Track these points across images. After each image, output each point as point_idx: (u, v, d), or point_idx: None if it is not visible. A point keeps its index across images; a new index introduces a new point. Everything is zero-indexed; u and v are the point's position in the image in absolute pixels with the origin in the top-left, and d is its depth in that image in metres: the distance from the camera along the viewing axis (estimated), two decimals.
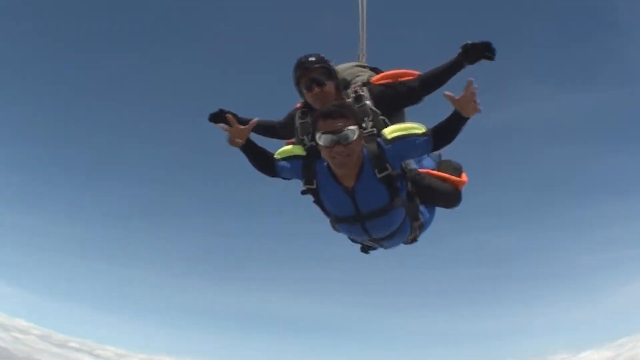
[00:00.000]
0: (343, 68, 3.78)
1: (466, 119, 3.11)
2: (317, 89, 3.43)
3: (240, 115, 3.73)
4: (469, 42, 3.23)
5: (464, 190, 3.69)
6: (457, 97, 3.05)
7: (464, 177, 3.70)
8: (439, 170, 3.72)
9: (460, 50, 3.27)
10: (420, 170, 3.65)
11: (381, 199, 3.23)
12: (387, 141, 3.19)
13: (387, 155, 3.17)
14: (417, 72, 3.61)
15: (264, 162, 3.48)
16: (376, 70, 3.91)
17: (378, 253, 3.86)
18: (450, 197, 3.65)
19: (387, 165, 3.16)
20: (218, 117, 3.75)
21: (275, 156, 3.45)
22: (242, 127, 3.36)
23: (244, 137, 3.37)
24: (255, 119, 3.46)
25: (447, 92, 3.08)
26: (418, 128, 3.22)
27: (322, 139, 3.08)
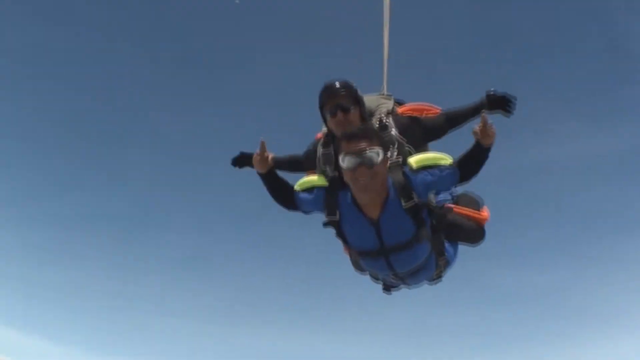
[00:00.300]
0: (367, 98, 3.69)
1: (487, 149, 3.00)
2: (341, 115, 3.34)
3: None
4: (494, 91, 3.30)
5: (487, 226, 3.55)
6: (476, 129, 2.96)
7: (486, 212, 3.57)
8: (458, 204, 3.58)
9: (484, 96, 3.33)
10: (444, 205, 3.50)
11: (407, 230, 3.05)
12: (413, 170, 3.07)
13: (413, 185, 3.02)
14: (438, 108, 3.63)
15: (283, 194, 3.34)
16: (400, 102, 3.85)
17: (402, 292, 3.69)
18: (475, 234, 3.50)
19: (413, 195, 3.00)
20: (240, 160, 3.73)
21: (295, 188, 3.32)
22: (270, 154, 3.28)
23: (267, 163, 3.30)
24: (272, 156, 3.36)
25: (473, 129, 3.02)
26: (445, 158, 3.10)
27: (345, 161, 2.93)
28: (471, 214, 3.49)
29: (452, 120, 3.47)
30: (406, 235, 3.06)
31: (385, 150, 3.04)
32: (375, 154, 2.90)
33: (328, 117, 3.40)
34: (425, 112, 3.61)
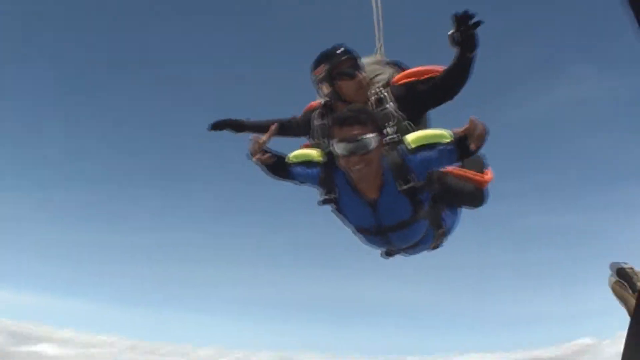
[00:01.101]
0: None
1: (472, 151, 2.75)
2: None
3: (247, 118, 3.56)
4: (450, 33, 2.78)
5: (489, 188, 3.33)
6: (462, 130, 2.69)
7: (489, 173, 3.32)
8: (462, 167, 3.35)
9: (454, 47, 2.85)
10: (442, 170, 3.28)
11: (404, 211, 2.96)
12: (409, 150, 2.88)
13: (410, 166, 2.85)
14: (441, 68, 3.16)
15: (277, 167, 3.17)
16: (396, 65, 3.54)
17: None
18: (475, 197, 3.33)
19: (410, 177, 2.85)
20: (220, 126, 3.55)
21: (290, 159, 3.16)
22: (261, 138, 3.07)
23: (263, 147, 3.09)
24: (275, 125, 3.16)
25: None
26: (445, 136, 2.87)
27: (337, 148, 2.77)
28: (472, 176, 3.27)
29: (448, 75, 3.03)
30: (403, 215, 2.98)
31: (381, 131, 2.86)
32: (369, 140, 2.71)
33: (343, 79, 3.17)
34: (425, 74, 3.22)
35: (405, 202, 2.92)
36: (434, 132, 2.93)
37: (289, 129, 3.55)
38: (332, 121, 2.87)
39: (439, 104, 3.21)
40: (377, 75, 3.39)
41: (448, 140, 2.84)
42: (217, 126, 3.53)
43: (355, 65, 3.21)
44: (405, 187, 2.86)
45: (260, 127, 3.47)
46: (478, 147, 2.71)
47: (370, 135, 2.73)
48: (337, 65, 3.19)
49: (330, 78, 3.22)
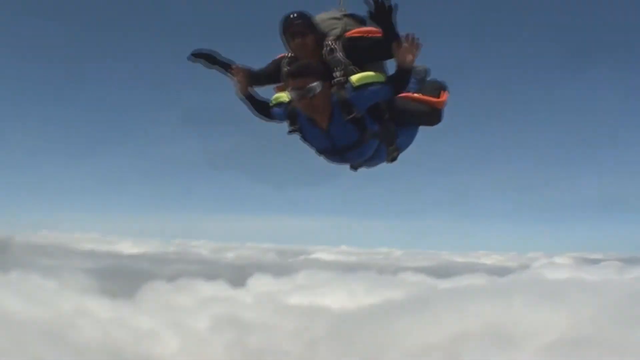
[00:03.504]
0: (321, 19, 4.18)
1: (406, 70, 3.53)
2: (298, 40, 3.98)
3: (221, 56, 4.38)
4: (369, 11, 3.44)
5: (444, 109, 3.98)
6: (399, 48, 3.46)
7: (445, 95, 3.97)
8: (420, 92, 4.06)
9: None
10: (399, 95, 3.93)
11: (351, 135, 3.81)
12: (353, 88, 3.68)
13: (352, 101, 3.68)
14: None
15: (262, 110, 4.28)
16: (352, 17, 4.22)
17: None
18: (429, 116, 4.02)
19: (353, 110, 3.68)
20: (199, 55, 4.29)
21: (270, 103, 4.17)
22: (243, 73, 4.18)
23: (246, 88, 4.18)
24: (246, 69, 4.23)
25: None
26: (379, 77, 3.67)
27: (290, 95, 3.80)
28: (426, 99, 3.99)
29: (384, 39, 3.67)
30: (351, 138, 3.85)
31: (328, 78, 3.73)
32: (314, 87, 3.63)
33: (289, 42, 4.06)
34: (370, 33, 3.94)
35: (351, 128, 3.77)
36: (372, 74, 3.72)
37: (261, 78, 4.46)
38: (285, 74, 3.91)
39: (379, 58, 3.97)
40: (332, 30, 4.13)
41: (382, 80, 3.67)
42: (196, 55, 4.28)
43: (307, 27, 3.98)
44: (348, 117, 3.72)
45: (258, 79, 4.41)
46: (406, 71, 3.54)
47: (315, 83, 3.65)
48: (290, 28, 4.00)
49: (286, 39, 4.08)
